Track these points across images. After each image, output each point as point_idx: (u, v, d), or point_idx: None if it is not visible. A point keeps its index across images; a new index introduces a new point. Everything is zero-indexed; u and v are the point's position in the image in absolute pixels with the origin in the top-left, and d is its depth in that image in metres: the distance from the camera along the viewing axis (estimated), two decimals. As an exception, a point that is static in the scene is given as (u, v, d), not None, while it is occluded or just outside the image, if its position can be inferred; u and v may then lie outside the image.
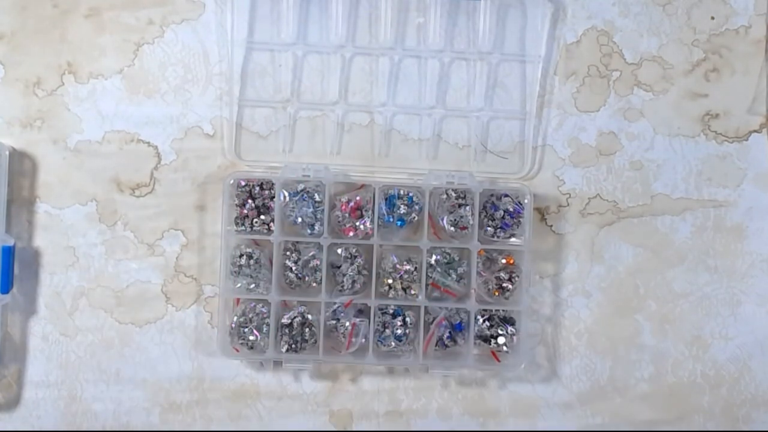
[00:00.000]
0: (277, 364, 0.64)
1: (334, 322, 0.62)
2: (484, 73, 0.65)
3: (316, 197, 0.62)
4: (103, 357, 0.64)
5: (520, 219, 0.62)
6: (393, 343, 0.62)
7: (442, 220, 0.62)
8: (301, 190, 0.62)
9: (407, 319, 0.62)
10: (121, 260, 0.64)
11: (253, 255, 0.62)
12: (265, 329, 0.62)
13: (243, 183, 0.62)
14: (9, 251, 0.61)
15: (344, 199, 0.62)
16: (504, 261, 0.63)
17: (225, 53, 0.64)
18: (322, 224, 0.62)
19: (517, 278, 0.62)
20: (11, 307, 0.64)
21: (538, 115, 0.65)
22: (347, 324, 0.62)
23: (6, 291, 0.61)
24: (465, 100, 0.65)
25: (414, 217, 0.62)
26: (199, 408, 0.65)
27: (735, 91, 0.66)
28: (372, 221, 0.62)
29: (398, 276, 0.62)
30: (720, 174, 0.66)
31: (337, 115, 0.65)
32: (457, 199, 0.62)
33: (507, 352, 0.63)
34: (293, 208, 0.62)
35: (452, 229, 0.62)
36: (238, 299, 0.63)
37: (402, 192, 0.62)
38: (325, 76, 0.65)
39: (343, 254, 0.62)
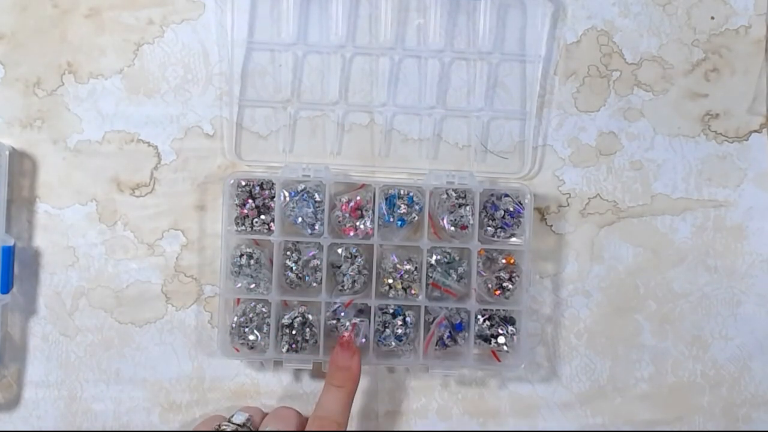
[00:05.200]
0: (278, 364, 0.64)
1: (334, 322, 0.62)
2: (484, 73, 0.65)
3: (317, 197, 0.62)
4: (103, 357, 0.64)
5: (520, 219, 0.62)
6: (393, 343, 0.62)
7: (443, 219, 0.62)
8: (302, 190, 0.62)
9: (407, 318, 0.62)
10: (121, 260, 0.64)
11: (253, 255, 0.62)
12: (265, 329, 0.62)
13: (243, 183, 0.62)
14: (9, 251, 0.61)
15: (344, 199, 0.62)
16: (504, 261, 0.63)
17: (225, 53, 0.64)
18: (322, 224, 0.62)
19: (517, 278, 0.62)
20: (11, 307, 0.64)
21: (538, 115, 0.65)
22: (347, 324, 0.62)
23: (6, 291, 0.61)
24: (465, 100, 0.65)
25: (414, 217, 0.62)
26: (199, 408, 0.65)
27: (735, 91, 0.66)
28: (372, 221, 0.62)
29: (398, 276, 0.62)
30: (720, 174, 0.66)
31: (337, 115, 0.65)
32: (457, 199, 0.62)
33: (507, 351, 0.63)
34: (293, 208, 0.62)
35: (452, 228, 0.62)
36: (239, 299, 0.63)
37: (402, 192, 0.62)
38: (325, 76, 0.65)
39: (344, 254, 0.62)
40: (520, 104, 0.65)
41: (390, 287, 0.62)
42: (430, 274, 0.62)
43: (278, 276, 0.62)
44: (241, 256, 0.62)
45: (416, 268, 0.62)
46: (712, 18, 0.66)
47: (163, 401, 0.65)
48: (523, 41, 0.65)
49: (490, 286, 0.63)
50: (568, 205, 0.66)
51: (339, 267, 0.62)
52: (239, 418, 0.57)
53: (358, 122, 0.65)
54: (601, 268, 0.66)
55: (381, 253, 0.63)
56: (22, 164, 0.64)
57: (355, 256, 0.62)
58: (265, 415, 0.60)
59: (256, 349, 0.62)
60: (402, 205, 0.62)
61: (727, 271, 0.66)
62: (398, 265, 0.62)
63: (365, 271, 0.62)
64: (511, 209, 0.62)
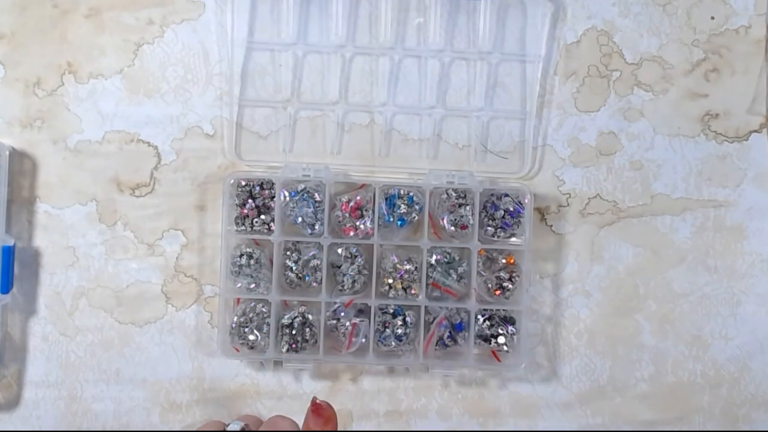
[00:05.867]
0: (278, 364, 0.64)
1: (334, 322, 0.62)
2: (484, 73, 0.65)
3: (317, 197, 0.62)
4: (103, 357, 0.64)
5: (520, 219, 0.62)
6: (393, 343, 0.62)
7: (443, 219, 0.62)
8: (302, 190, 0.62)
9: (407, 318, 0.62)
10: (121, 260, 0.64)
11: (253, 255, 0.62)
12: (265, 329, 0.62)
13: (243, 183, 0.62)
14: (9, 251, 0.61)
15: (344, 198, 0.62)
16: (504, 261, 0.63)
17: (225, 53, 0.64)
18: (322, 224, 0.62)
19: (517, 278, 0.63)
20: (11, 307, 0.64)
21: (538, 115, 0.65)
22: (347, 324, 0.62)
23: (6, 291, 0.61)
24: (465, 100, 0.65)
25: (414, 217, 0.62)
26: (199, 408, 0.65)
27: (735, 91, 0.66)
28: (372, 221, 0.62)
29: (398, 276, 0.62)
30: (720, 174, 0.66)
31: (337, 115, 0.65)
32: (457, 198, 0.62)
33: (507, 351, 0.63)
34: (293, 207, 0.62)
35: (452, 228, 0.62)
36: (239, 299, 0.63)
37: (402, 192, 0.62)
38: (325, 76, 0.65)
39: (344, 254, 0.62)
40: (520, 104, 0.65)
41: (390, 287, 0.62)
42: (430, 274, 0.62)
43: (278, 276, 0.62)
44: (241, 256, 0.62)
45: (416, 268, 0.62)
46: (712, 18, 0.66)
47: (163, 401, 0.65)
48: (523, 41, 0.65)
49: (490, 286, 0.63)
50: (568, 205, 0.66)
51: (339, 267, 0.62)
52: (235, 427, 0.57)
53: (358, 122, 0.65)
54: (601, 268, 0.66)
55: (381, 253, 0.63)
56: (22, 164, 0.64)
57: (355, 256, 0.62)
58: (261, 423, 0.59)
59: (256, 349, 0.62)
60: (402, 205, 0.62)
61: (727, 271, 0.66)
62: (398, 265, 0.62)
63: (365, 271, 0.62)
64: (511, 209, 0.62)
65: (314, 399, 0.54)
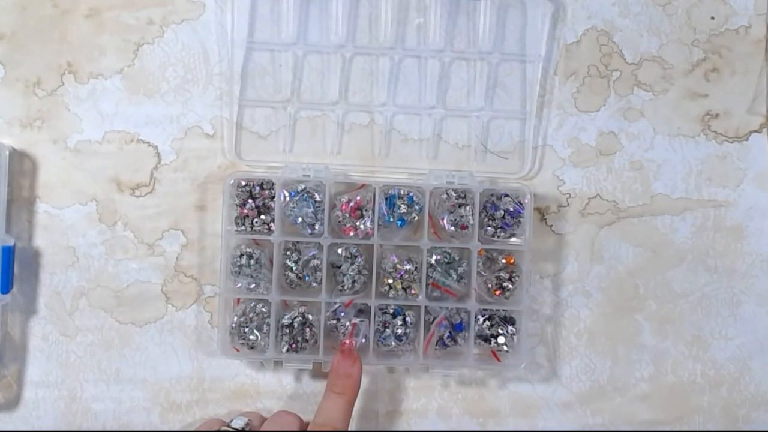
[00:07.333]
0: (278, 364, 0.64)
1: (334, 322, 0.62)
2: (484, 73, 0.65)
3: (317, 197, 0.62)
4: (103, 357, 0.64)
5: (520, 219, 0.62)
6: (393, 343, 0.62)
7: (443, 219, 0.62)
8: (302, 190, 0.62)
9: (407, 318, 0.62)
10: (121, 260, 0.64)
11: (253, 255, 0.62)
12: (265, 329, 0.62)
13: (243, 183, 0.62)
14: (9, 251, 0.61)
15: (344, 199, 0.62)
16: (504, 261, 0.63)
17: (225, 53, 0.64)
18: (322, 224, 0.62)
19: (517, 278, 0.62)
20: (11, 307, 0.64)
21: (538, 115, 0.65)
22: (347, 324, 0.62)
23: (6, 291, 0.61)
24: (465, 100, 0.65)
25: (414, 217, 0.62)
26: (199, 408, 0.65)
27: (735, 91, 0.66)
28: (372, 221, 0.62)
29: (398, 276, 0.62)
30: (720, 174, 0.66)
31: (337, 115, 0.65)
32: (457, 198, 0.62)
33: (507, 351, 0.63)
34: (293, 208, 0.62)
35: (452, 228, 0.62)
36: (239, 299, 0.63)
37: (402, 192, 0.62)
38: (325, 76, 0.65)
39: (344, 254, 0.62)
40: (520, 104, 0.65)
41: (390, 287, 0.62)
42: (430, 274, 0.62)
43: (278, 276, 0.62)
44: (241, 256, 0.62)
45: (416, 268, 0.62)
46: (712, 18, 0.66)
47: (163, 401, 0.65)
48: (523, 41, 0.65)
49: (490, 286, 0.63)
50: (568, 205, 0.66)
51: (339, 267, 0.62)
52: (238, 423, 0.57)
53: (358, 122, 0.65)
54: (601, 268, 0.66)
55: (381, 253, 0.63)
56: (22, 164, 0.64)
57: (355, 256, 0.62)
58: (264, 419, 0.60)
59: (256, 349, 0.62)
60: (402, 205, 0.62)
61: (727, 271, 0.66)
62: (398, 265, 0.62)
63: (365, 271, 0.62)
64: (511, 209, 0.62)
65: (343, 342, 0.59)
